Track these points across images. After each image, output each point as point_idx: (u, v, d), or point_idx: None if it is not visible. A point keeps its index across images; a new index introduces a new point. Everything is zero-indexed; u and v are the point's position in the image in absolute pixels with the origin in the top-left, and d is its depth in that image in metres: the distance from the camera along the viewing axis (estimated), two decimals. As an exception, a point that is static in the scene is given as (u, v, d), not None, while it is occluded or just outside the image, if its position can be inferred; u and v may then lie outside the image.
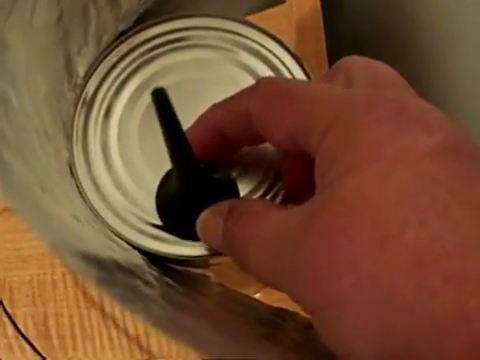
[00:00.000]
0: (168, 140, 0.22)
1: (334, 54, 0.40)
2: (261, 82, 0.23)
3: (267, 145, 0.24)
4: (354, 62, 0.23)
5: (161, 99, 0.20)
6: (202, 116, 0.25)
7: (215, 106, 0.24)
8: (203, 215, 0.24)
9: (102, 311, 0.43)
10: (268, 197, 0.27)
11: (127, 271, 0.20)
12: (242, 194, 0.27)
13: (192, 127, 0.25)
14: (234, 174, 0.27)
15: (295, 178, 0.25)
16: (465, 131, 0.19)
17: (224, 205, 0.23)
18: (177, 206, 0.26)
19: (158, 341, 0.42)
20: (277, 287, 0.20)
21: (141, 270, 0.22)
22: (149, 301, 0.18)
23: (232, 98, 0.24)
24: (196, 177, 0.24)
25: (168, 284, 0.24)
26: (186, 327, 0.16)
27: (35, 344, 0.44)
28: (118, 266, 0.19)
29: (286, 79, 0.27)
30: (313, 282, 0.18)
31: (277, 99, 0.22)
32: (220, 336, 0.19)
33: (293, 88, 0.22)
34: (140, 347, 0.42)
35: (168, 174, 0.26)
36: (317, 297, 0.17)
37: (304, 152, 0.21)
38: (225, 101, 0.24)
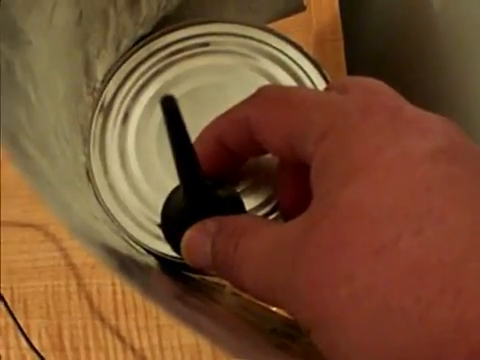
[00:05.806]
0: (175, 154, 0.21)
1: (353, 66, 0.39)
2: (260, 90, 0.23)
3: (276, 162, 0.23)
4: (348, 78, 0.23)
5: (170, 109, 0.19)
6: (204, 129, 0.25)
7: (217, 117, 0.24)
8: (188, 235, 0.23)
9: (116, 325, 0.43)
10: (275, 215, 0.26)
11: (144, 268, 0.20)
12: (248, 210, 0.26)
13: (195, 141, 0.24)
14: (240, 190, 0.27)
15: (290, 190, 0.24)
16: (463, 133, 0.18)
17: (209, 224, 0.23)
18: (182, 224, 0.24)
19: (173, 354, 0.42)
20: (274, 303, 0.20)
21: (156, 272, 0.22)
22: (167, 298, 0.18)
23: (233, 107, 0.24)
24: (203, 194, 0.23)
25: (182, 289, 0.24)
26: (202, 325, 0.16)
27: (49, 356, 0.43)
28: (136, 263, 0.19)
29: (285, 86, 0.27)
30: (309, 296, 0.17)
31: (275, 106, 0.22)
32: (237, 341, 0.19)
33: (290, 94, 0.22)
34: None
35: (172, 193, 0.26)
36: (313, 311, 0.17)
37: (300, 160, 0.21)
38: (227, 111, 0.24)
